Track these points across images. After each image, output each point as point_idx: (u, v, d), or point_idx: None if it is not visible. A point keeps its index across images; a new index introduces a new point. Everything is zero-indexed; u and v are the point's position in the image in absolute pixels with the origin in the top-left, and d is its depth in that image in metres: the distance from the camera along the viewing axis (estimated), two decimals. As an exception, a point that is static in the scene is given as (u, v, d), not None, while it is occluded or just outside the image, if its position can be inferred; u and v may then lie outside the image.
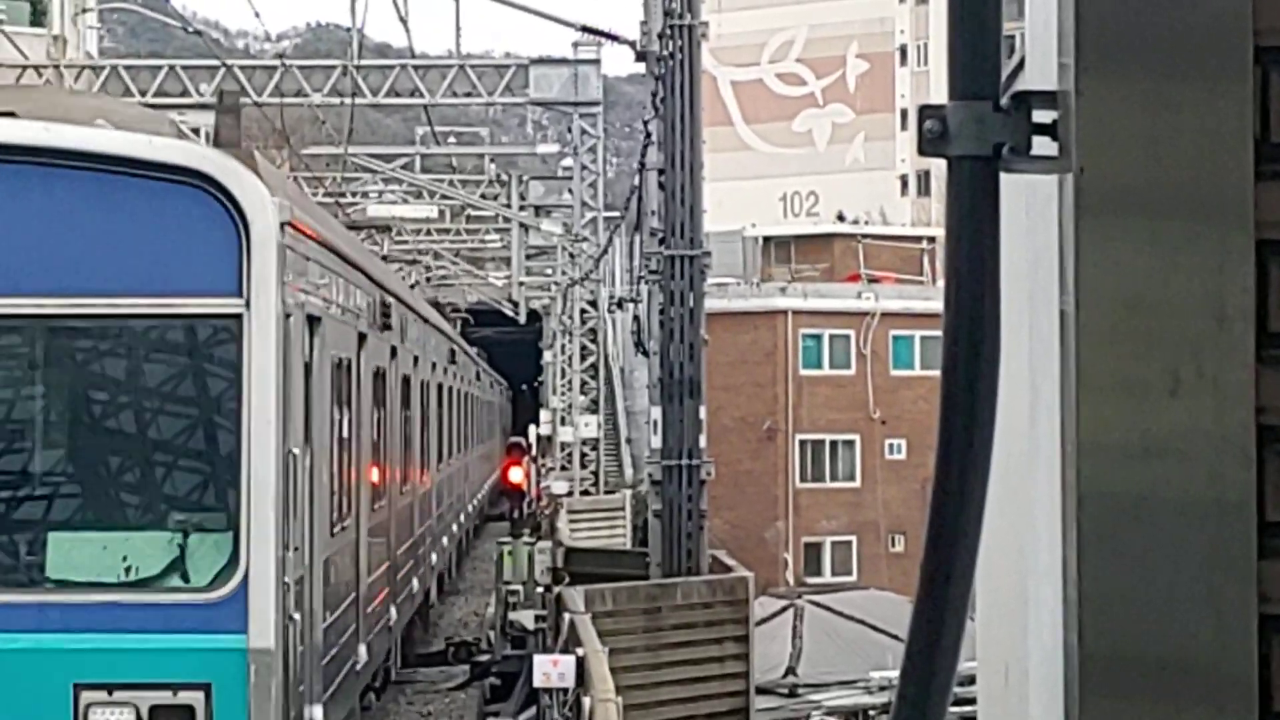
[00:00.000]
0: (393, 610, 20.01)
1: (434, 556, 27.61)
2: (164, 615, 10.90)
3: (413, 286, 42.61)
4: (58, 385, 11.31)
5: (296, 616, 11.54)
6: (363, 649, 16.39)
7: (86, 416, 11.36)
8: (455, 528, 34.62)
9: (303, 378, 12.15)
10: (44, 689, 10.76)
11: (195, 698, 10.79)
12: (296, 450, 11.46)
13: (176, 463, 11.34)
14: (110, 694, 10.78)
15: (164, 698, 10.78)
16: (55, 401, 11.32)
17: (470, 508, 41.57)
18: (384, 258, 33.63)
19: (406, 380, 22.06)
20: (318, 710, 12.57)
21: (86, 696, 10.77)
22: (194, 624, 10.87)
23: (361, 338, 16.34)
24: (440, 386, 28.95)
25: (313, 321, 12.78)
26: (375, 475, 18.11)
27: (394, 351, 19.76)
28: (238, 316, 10.96)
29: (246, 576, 10.86)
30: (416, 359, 23.62)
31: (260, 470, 10.89)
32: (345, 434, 15.26)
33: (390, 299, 18.74)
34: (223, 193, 10.91)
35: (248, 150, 12.53)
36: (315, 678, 12.67)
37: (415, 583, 23.67)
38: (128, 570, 11.04)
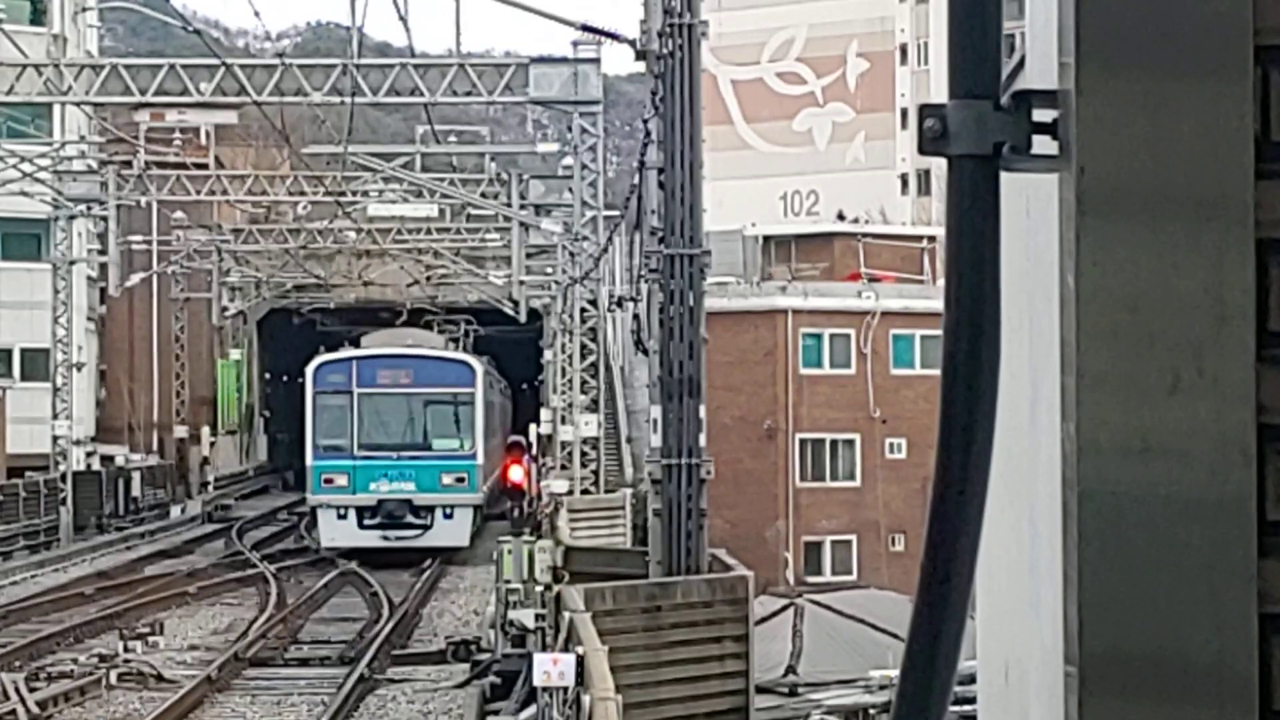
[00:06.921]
0: (494, 474, 53.41)
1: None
2: (458, 456, 50.67)
3: (411, 285, 69.48)
4: (431, 410, 51.16)
5: (484, 459, 51.37)
6: (492, 478, 52.91)
7: (451, 417, 51.57)
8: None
9: (489, 408, 53.40)
10: (434, 478, 51.48)
11: (465, 474, 50.43)
12: (484, 424, 52.20)
13: (460, 427, 51.20)
14: (449, 474, 50.29)
15: (461, 474, 50.61)
16: (431, 414, 51.23)
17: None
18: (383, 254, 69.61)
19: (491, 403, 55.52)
20: (486, 486, 52.68)
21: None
22: (466, 458, 50.81)
23: (491, 390, 54.77)
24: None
25: (487, 391, 53.20)
26: (493, 432, 54.70)
27: (487, 391, 52.80)
28: (473, 393, 51.33)
29: (475, 449, 50.98)
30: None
31: (479, 427, 51.38)
32: (491, 421, 54.19)
33: (494, 377, 58.64)
34: (468, 365, 52.54)
35: (471, 351, 59.84)
36: (489, 475, 52.17)
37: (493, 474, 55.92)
38: (448, 446, 50.73)
